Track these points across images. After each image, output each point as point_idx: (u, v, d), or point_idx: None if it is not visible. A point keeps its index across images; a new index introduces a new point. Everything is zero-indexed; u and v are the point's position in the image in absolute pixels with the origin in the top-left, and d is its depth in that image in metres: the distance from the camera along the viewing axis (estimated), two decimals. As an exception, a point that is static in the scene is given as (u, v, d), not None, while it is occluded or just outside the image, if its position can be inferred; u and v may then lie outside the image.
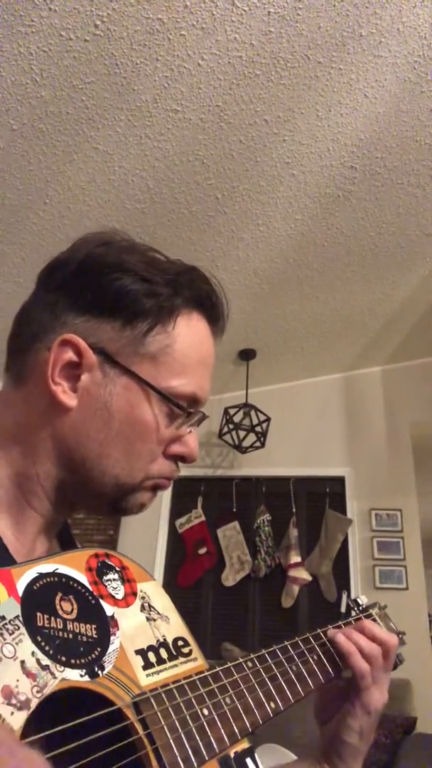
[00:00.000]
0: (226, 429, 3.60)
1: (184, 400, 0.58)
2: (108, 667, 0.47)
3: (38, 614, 0.44)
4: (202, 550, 3.87)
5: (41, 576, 0.47)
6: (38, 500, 0.57)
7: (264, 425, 3.60)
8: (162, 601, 0.58)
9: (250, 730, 0.54)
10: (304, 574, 3.66)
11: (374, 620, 0.81)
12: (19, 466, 0.57)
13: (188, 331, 0.59)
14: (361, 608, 0.84)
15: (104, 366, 0.56)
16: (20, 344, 0.59)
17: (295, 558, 3.70)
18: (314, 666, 0.68)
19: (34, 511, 0.57)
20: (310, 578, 3.66)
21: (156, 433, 0.57)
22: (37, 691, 0.40)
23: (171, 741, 0.47)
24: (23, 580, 0.45)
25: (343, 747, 0.70)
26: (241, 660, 0.60)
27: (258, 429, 3.58)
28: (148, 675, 0.50)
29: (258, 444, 3.63)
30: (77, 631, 0.47)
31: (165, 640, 0.55)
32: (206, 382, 0.61)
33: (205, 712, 0.51)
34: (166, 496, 4.05)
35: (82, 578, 0.51)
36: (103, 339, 0.56)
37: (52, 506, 0.58)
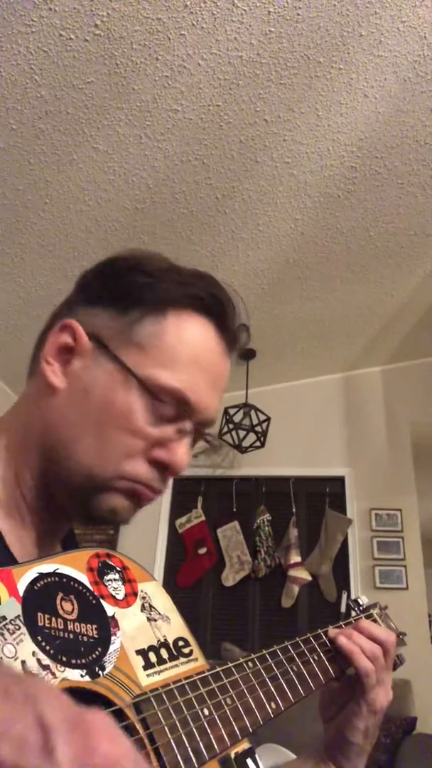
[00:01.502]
0: (226, 429, 3.60)
1: (168, 394, 0.55)
2: (109, 667, 0.47)
3: (39, 614, 0.44)
4: (202, 550, 3.87)
5: (42, 576, 0.47)
6: (32, 496, 0.57)
7: (264, 425, 3.60)
8: (163, 602, 0.58)
9: (250, 730, 0.54)
10: (304, 574, 3.66)
11: (374, 621, 0.81)
12: (17, 463, 0.57)
13: (183, 328, 0.57)
14: (361, 608, 0.84)
15: (96, 352, 0.56)
16: (38, 341, 0.61)
17: (295, 558, 3.69)
18: (315, 666, 0.68)
19: (33, 510, 0.57)
20: (310, 578, 3.65)
21: (134, 425, 0.54)
22: (38, 691, 0.40)
23: (172, 741, 0.47)
24: (24, 580, 0.45)
25: (349, 747, 0.70)
26: (241, 660, 0.60)
27: (258, 429, 3.58)
28: (148, 675, 0.50)
29: (258, 444, 3.62)
30: (78, 631, 0.47)
31: (166, 640, 0.55)
32: (202, 387, 0.56)
33: (206, 712, 0.51)
34: (166, 496, 4.04)
35: (83, 578, 0.51)
36: (99, 326, 0.57)
37: (40, 502, 0.57)
